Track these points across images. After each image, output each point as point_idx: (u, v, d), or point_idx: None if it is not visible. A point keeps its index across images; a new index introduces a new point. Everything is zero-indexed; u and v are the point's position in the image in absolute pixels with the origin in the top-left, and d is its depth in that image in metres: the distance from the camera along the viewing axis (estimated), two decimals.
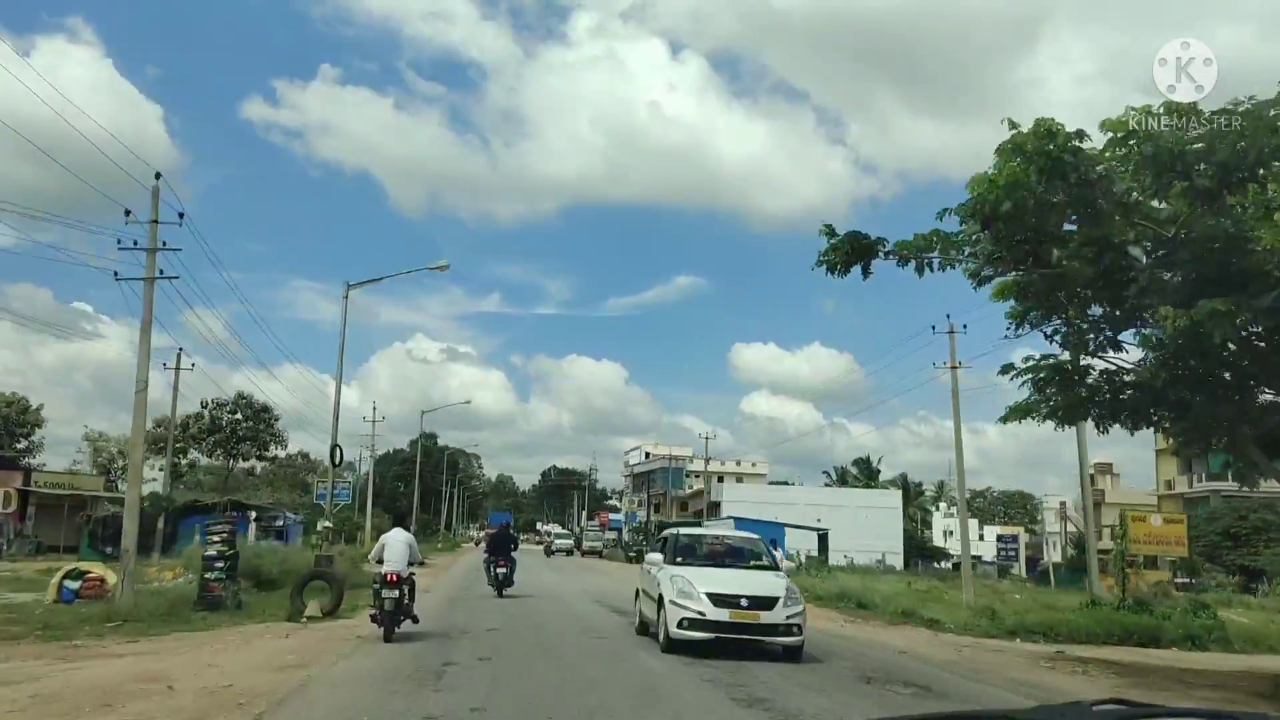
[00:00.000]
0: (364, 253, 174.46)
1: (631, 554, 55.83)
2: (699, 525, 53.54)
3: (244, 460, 54.07)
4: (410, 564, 14.33)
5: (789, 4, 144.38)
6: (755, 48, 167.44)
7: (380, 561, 14.31)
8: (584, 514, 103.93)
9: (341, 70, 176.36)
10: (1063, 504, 60.33)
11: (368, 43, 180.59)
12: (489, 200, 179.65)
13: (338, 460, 26.16)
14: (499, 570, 21.97)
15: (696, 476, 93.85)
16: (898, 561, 52.68)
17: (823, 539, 47.84)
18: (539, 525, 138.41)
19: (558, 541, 68.16)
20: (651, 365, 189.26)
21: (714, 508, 60.77)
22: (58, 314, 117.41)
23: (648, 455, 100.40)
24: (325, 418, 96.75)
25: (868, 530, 53.59)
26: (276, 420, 55.31)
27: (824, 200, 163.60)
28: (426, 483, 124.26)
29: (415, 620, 14.39)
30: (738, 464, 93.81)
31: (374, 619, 13.93)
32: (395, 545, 14.56)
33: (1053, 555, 70.97)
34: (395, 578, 13.87)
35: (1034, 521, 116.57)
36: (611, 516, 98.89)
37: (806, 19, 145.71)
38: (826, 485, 74.14)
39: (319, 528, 24.58)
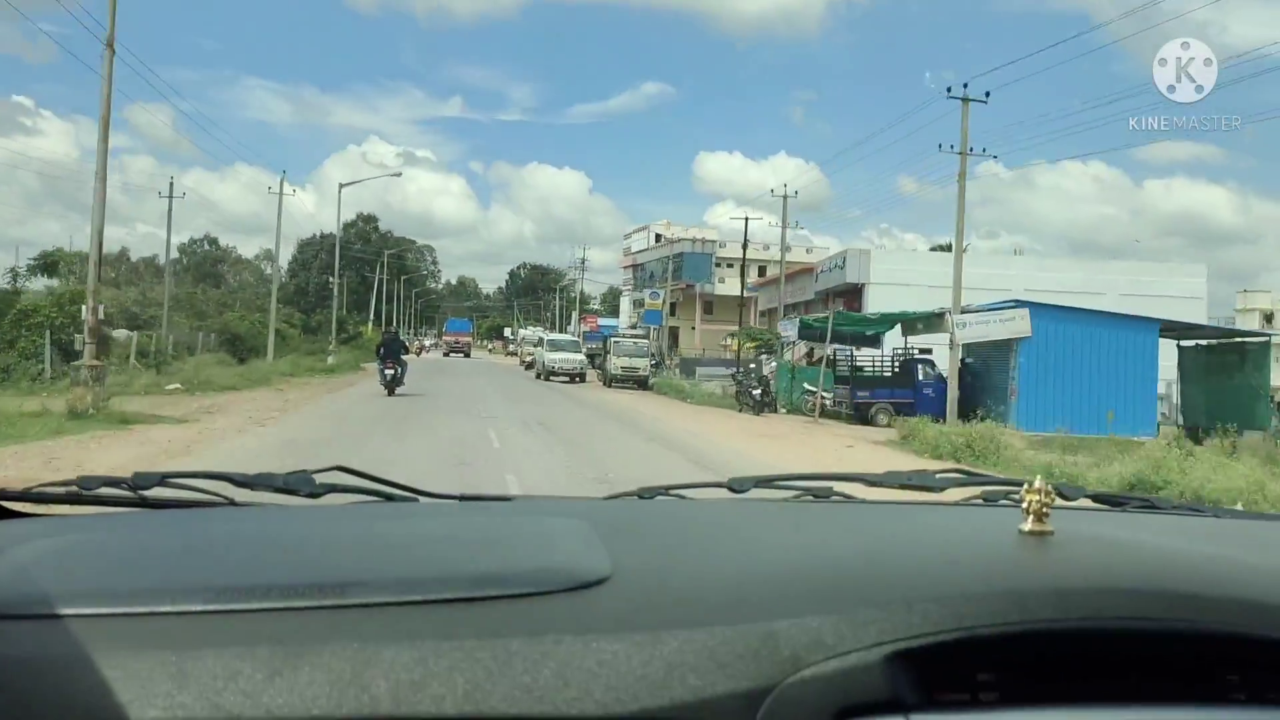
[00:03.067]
0: (317, 49, 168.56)
1: (757, 392, 24.59)
2: (870, 322, 25.60)
3: None
4: None
5: None
6: None
7: None
8: (575, 317, 77.69)
9: None
10: None
11: None
12: None
13: None
14: (388, 371, 22.29)
15: (729, 266, 67.74)
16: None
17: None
18: (508, 331, 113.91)
19: (553, 356, 37.47)
20: (615, 175, 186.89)
21: (854, 293, 34.50)
22: None
23: (658, 238, 73.57)
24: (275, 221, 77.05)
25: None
26: None
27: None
28: (364, 276, 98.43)
29: None
30: (764, 248, 67.42)
31: None
32: None
33: None
34: None
35: None
36: (601, 322, 72.81)
37: None
38: None
39: None
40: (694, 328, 69.01)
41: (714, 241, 66.63)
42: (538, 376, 37.26)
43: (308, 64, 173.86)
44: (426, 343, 70.00)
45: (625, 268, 79.76)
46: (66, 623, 0.82)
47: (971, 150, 22.51)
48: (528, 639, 0.82)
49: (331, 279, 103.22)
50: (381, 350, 23.37)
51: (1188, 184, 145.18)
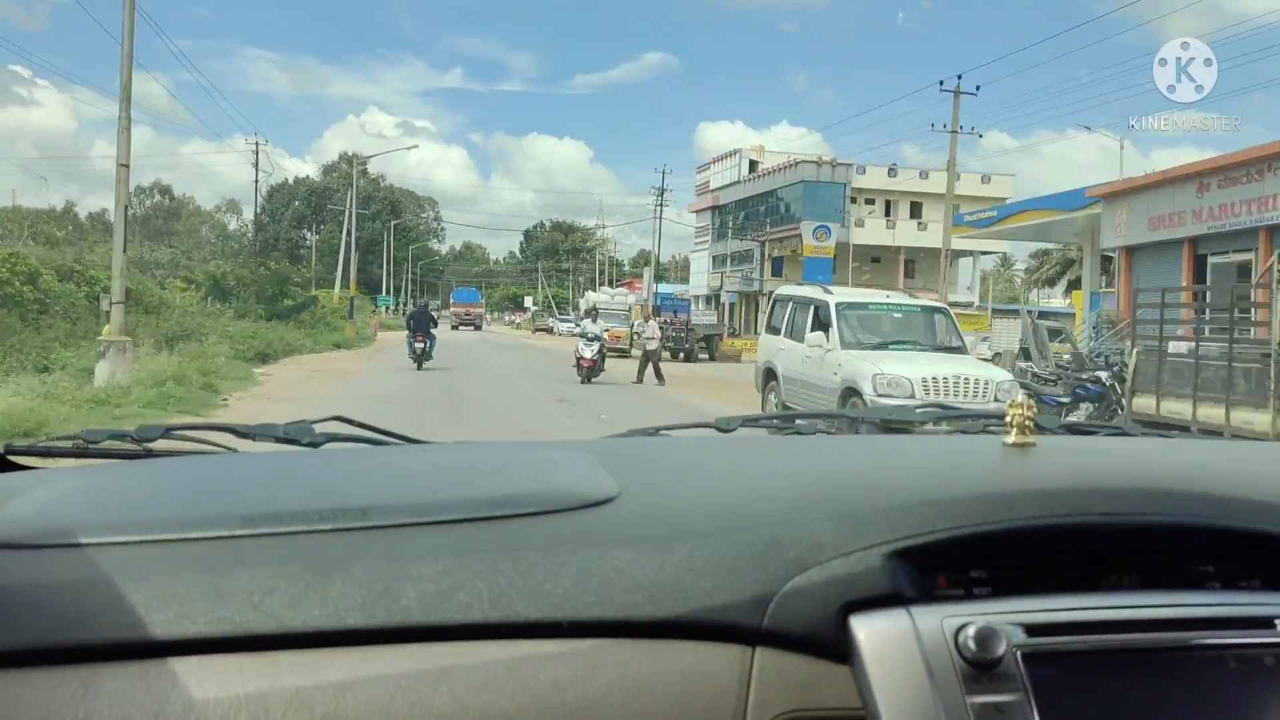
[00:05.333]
0: (317, 19, 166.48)
1: None
2: None
3: None
4: None
5: None
6: None
7: None
8: (648, 277, 56.39)
9: None
10: None
11: None
12: None
13: None
14: (417, 345, 22.58)
15: (868, 203, 46.72)
16: None
17: None
18: (529, 301, 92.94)
19: (936, 375, 10.90)
20: (616, 145, 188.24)
21: None
22: None
23: (753, 167, 52.28)
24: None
25: None
26: None
27: None
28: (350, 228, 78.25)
29: None
30: (922, 176, 46.36)
31: None
32: None
33: None
34: None
35: None
36: (662, 290, 51.34)
37: None
38: None
39: None
40: None
41: (848, 164, 45.47)
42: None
43: (307, 34, 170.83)
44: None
45: (699, 211, 58.49)
46: (102, 550, 0.84)
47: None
48: (546, 551, 0.85)
49: (308, 233, 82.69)
50: (411, 323, 23.66)
51: (1195, 153, 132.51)
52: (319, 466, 1.24)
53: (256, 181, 44.68)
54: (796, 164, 45.33)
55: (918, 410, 1.66)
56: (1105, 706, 0.83)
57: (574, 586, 0.82)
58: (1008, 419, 1.20)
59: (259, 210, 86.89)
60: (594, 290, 37.57)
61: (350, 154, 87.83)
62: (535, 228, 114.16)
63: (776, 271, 48.31)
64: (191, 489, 1.10)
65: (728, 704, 0.80)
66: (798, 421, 1.60)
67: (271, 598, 0.79)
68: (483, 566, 0.82)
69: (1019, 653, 0.81)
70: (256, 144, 44.30)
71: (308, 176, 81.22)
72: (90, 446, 1.31)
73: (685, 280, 70.56)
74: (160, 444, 1.34)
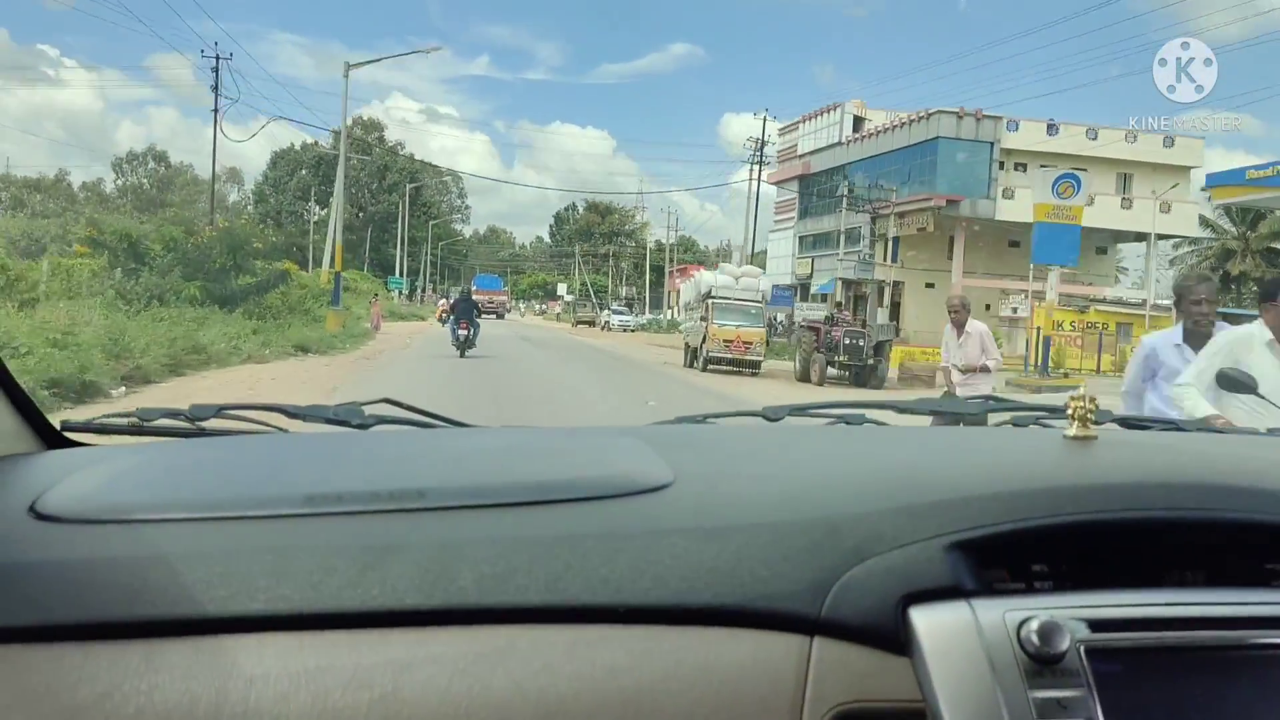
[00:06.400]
0: (346, 4, 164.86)
1: None
2: None
3: None
4: None
5: None
6: None
7: None
8: (739, 257, 45.99)
9: None
10: None
11: None
12: None
13: None
14: (461, 333, 22.15)
15: (1018, 169, 36.32)
16: None
17: None
18: (562, 289, 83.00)
19: None
20: (640, 136, 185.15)
21: None
22: (17, 56, 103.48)
23: (858, 124, 41.92)
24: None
25: None
26: None
27: None
28: (365, 208, 69.12)
29: None
30: (1090, 135, 36.08)
31: None
32: None
33: None
34: None
35: None
36: (747, 280, 40.99)
37: None
38: None
39: None
40: (930, 286, 37.82)
41: (996, 118, 35.14)
42: None
43: (335, 19, 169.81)
44: (441, 302, 41.61)
45: (781, 182, 48.16)
46: (164, 527, 0.84)
47: None
48: (602, 536, 0.85)
49: (316, 207, 73.14)
50: (456, 311, 23.12)
51: (1224, 155, 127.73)
52: (372, 448, 1.21)
53: (216, 110, 34.73)
54: (930, 115, 35.09)
55: (968, 401, 1.56)
56: (1169, 704, 0.80)
57: (630, 572, 0.81)
58: (1069, 411, 1.16)
59: (261, 177, 77.72)
60: (709, 270, 27.07)
61: (368, 119, 78.17)
62: (567, 209, 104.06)
63: (893, 256, 38.15)
64: (250, 468, 1.09)
65: (785, 693, 0.79)
66: (845, 412, 1.54)
67: (331, 577, 0.78)
68: (539, 550, 0.82)
69: (1082, 648, 0.80)
70: (217, 56, 34.49)
71: (316, 143, 71.56)
72: (144, 425, 1.30)
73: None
74: (213, 423, 1.33)
